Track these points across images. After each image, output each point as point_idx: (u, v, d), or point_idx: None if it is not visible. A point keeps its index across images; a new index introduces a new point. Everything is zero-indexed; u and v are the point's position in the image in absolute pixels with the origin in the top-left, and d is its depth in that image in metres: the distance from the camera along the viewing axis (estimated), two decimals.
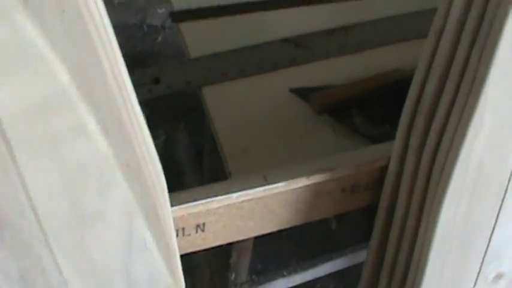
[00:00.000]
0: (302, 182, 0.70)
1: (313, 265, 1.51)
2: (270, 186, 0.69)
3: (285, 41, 0.98)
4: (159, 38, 1.87)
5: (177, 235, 0.72)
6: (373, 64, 0.95)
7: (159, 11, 1.91)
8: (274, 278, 1.48)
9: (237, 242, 1.33)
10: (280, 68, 0.95)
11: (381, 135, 0.81)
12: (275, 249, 1.60)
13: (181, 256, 0.67)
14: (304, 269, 1.50)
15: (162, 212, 0.56)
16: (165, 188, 0.55)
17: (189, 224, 0.70)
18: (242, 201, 0.69)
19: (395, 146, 0.70)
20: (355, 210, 0.84)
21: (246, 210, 0.72)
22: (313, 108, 0.87)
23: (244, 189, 0.69)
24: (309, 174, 0.70)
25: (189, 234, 0.72)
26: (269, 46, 0.97)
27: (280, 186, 0.70)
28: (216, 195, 0.68)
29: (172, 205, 0.62)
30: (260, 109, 0.89)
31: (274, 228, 0.77)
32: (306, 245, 1.61)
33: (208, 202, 0.68)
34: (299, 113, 0.88)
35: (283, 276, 1.48)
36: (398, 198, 0.73)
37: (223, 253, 1.47)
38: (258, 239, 1.34)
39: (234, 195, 0.68)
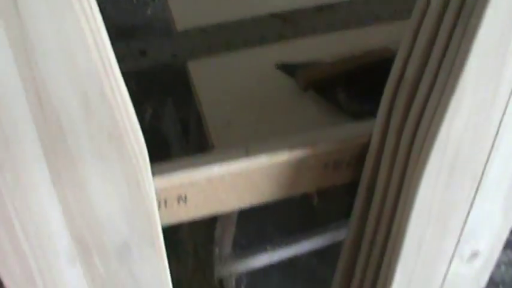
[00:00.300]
0: (284, 156, 0.71)
1: (296, 241, 1.52)
2: (252, 160, 0.70)
3: (273, 16, 0.98)
4: (149, 11, 1.87)
5: (159, 207, 0.73)
6: (360, 42, 0.96)
7: None
8: (257, 253, 1.49)
9: (222, 215, 1.35)
10: (267, 43, 0.95)
11: (364, 113, 0.81)
12: (259, 225, 1.62)
13: (165, 229, 0.68)
14: (288, 244, 1.52)
15: (144, 182, 0.56)
16: (146, 158, 0.56)
17: (171, 195, 0.71)
18: (224, 174, 0.70)
19: (377, 123, 0.71)
20: (338, 187, 0.85)
21: (228, 183, 0.72)
22: (299, 84, 0.88)
23: (225, 161, 0.69)
24: (290, 148, 0.71)
25: (171, 206, 0.73)
26: (256, 21, 0.97)
27: (261, 160, 0.70)
28: (197, 167, 0.68)
29: (154, 175, 0.63)
30: (245, 84, 0.89)
31: (257, 202, 0.78)
32: (290, 222, 1.63)
33: (189, 173, 0.68)
34: (284, 89, 0.89)
35: (267, 251, 1.50)
36: (379, 175, 0.74)
37: (208, 226, 1.48)
38: (243, 214, 1.36)
39: (215, 167, 0.69)
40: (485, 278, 0.85)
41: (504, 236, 0.79)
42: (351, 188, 0.84)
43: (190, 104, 1.23)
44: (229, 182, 0.72)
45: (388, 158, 0.71)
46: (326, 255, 1.58)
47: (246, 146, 0.71)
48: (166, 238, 0.67)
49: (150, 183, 0.58)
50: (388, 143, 0.70)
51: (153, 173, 0.61)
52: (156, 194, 0.67)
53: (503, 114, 0.63)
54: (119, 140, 0.51)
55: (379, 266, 0.83)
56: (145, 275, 0.64)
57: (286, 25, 0.97)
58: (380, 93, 0.71)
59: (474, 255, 0.79)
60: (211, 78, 0.90)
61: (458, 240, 0.76)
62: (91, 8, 0.45)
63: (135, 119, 0.54)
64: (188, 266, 1.58)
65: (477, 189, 0.71)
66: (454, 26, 0.58)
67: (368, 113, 0.79)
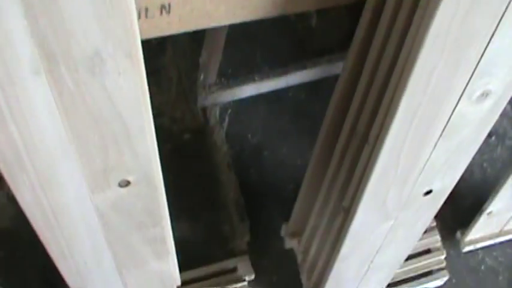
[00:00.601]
0: None
1: (285, 72, 1.46)
2: None
3: None
4: None
5: (139, 17, 0.64)
6: None
7: None
8: (244, 83, 1.43)
9: (208, 38, 1.26)
10: None
11: None
12: (248, 53, 1.53)
13: (148, 52, 0.59)
14: (277, 75, 1.45)
15: None
16: None
17: (153, 3, 0.62)
18: None
19: None
20: (339, 8, 0.76)
21: None
22: None
23: None
24: None
25: (153, 16, 0.64)
26: None
27: None
28: None
29: None
30: None
31: (248, 18, 0.70)
32: (281, 50, 1.54)
33: None
34: None
35: (254, 81, 1.43)
36: None
37: (192, 52, 1.40)
38: (230, 40, 1.27)
39: None
40: (490, 123, 0.79)
41: None
42: (355, 9, 0.76)
43: None
44: None
45: None
46: (317, 90, 1.51)
47: None
48: (148, 63, 0.59)
49: None
50: None
51: None
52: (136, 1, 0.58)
53: None
54: None
55: (379, 99, 0.76)
56: (121, 90, 0.57)
57: None
58: None
59: (484, 95, 0.72)
60: None
61: (471, 76, 0.68)
62: None
63: None
64: (171, 94, 1.52)
65: (500, 19, 0.62)
66: None
67: None
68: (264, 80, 1.44)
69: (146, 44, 0.55)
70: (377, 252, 1.06)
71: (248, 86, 1.43)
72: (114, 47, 0.53)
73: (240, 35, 1.45)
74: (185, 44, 1.48)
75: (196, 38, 1.32)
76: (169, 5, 0.63)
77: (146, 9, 0.62)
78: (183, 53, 1.50)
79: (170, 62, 1.53)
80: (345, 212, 0.95)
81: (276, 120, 1.55)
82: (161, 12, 0.64)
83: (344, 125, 0.90)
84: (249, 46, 1.53)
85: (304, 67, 1.45)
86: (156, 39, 1.46)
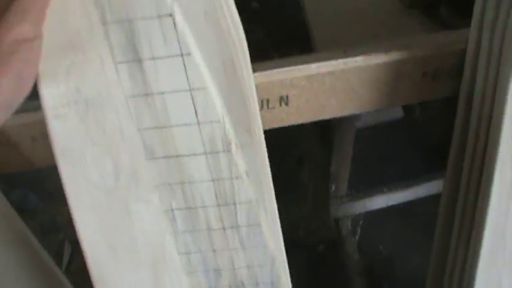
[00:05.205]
0: (380, 58, 0.74)
1: (413, 184, 1.53)
2: (349, 59, 0.73)
3: None
4: None
5: (261, 108, 0.78)
6: None
7: None
8: (374, 194, 1.52)
9: (337, 150, 1.39)
10: None
11: (466, 27, 0.82)
12: (377, 165, 1.64)
13: (266, 131, 0.72)
14: (405, 187, 1.53)
15: (240, 64, 0.61)
16: (243, 40, 0.60)
17: (273, 95, 0.76)
18: (323, 74, 0.74)
19: (472, 26, 0.72)
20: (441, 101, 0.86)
21: (327, 85, 0.76)
22: (403, 1, 0.90)
23: (324, 61, 0.73)
24: (387, 50, 0.74)
25: (274, 107, 0.78)
26: None
27: (358, 61, 0.74)
28: (297, 65, 0.73)
29: (254, 72, 0.67)
30: (352, 2, 0.92)
31: (356, 110, 0.81)
32: (408, 162, 1.63)
33: (288, 70, 0.73)
34: (389, 8, 0.91)
35: (384, 193, 1.52)
36: (476, 84, 0.75)
37: (324, 166, 1.52)
38: (359, 153, 1.39)
39: (313, 65, 0.73)
40: None
41: None
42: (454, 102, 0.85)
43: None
44: (329, 85, 0.76)
45: (484, 58, 0.72)
46: None
47: (345, 48, 0.75)
48: (288, 180, 0.70)
49: (248, 67, 0.63)
50: (483, 45, 0.71)
51: (254, 70, 0.66)
52: (258, 92, 0.72)
53: None
54: (213, 15, 0.56)
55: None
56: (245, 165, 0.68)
57: None
58: None
59: None
60: None
61: None
62: None
63: (233, 6, 0.59)
64: (307, 207, 1.64)
65: None
66: None
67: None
68: (392, 192, 1.52)
69: (286, 162, 0.64)
70: None
71: (378, 198, 1.52)
72: (236, 123, 0.65)
73: (368, 149, 1.56)
74: (318, 157, 1.61)
75: (329, 152, 1.46)
76: (287, 97, 0.77)
77: (267, 101, 0.77)
78: (316, 166, 1.63)
79: (306, 176, 1.66)
80: None
81: (407, 232, 1.61)
82: (280, 104, 0.78)
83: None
84: (377, 158, 1.63)
85: (432, 179, 1.52)
86: (293, 155, 1.60)
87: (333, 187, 1.46)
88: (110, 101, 0.55)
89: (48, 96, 0.50)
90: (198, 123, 0.58)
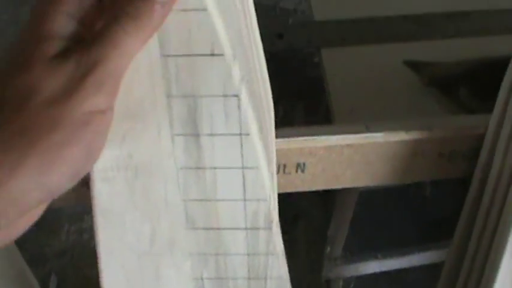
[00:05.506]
0: (400, 136, 0.75)
1: (408, 253, 1.53)
2: (370, 135, 0.74)
3: (405, 17, 1.02)
4: (290, 21, 1.95)
5: (278, 171, 0.78)
6: (488, 50, 0.98)
7: None
8: (367, 259, 1.52)
9: (337, 214, 1.39)
10: (397, 41, 1.00)
11: (485, 110, 0.84)
12: (373, 232, 1.64)
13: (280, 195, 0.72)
14: (400, 255, 1.53)
15: (266, 135, 0.62)
16: (271, 108, 0.61)
17: (291, 161, 0.77)
18: (342, 146, 0.75)
19: (494, 114, 0.73)
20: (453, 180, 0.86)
21: (345, 157, 0.77)
22: (423, 80, 0.92)
23: (345, 133, 0.74)
24: (408, 129, 0.75)
25: (290, 173, 0.79)
26: (389, 20, 1.02)
27: (379, 137, 0.75)
28: (318, 135, 0.74)
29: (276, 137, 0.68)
30: (372, 75, 0.94)
31: (370, 182, 0.82)
32: (405, 230, 1.63)
33: (308, 140, 0.73)
34: (408, 84, 0.93)
35: (377, 258, 1.52)
36: (492, 167, 0.76)
37: (321, 228, 1.52)
38: (358, 218, 1.39)
39: (334, 137, 0.73)
40: None
41: None
42: (466, 183, 0.86)
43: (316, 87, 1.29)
44: (347, 157, 0.77)
45: (502, 149, 0.73)
46: (438, 271, 1.57)
47: (367, 124, 0.76)
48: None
49: (272, 136, 0.63)
50: (503, 134, 0.72)
51: (276, 136, 0.67)
52: (276, 156, 0.72)
53: None
54: (251, 83, 0.56)
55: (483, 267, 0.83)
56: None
57: (418, 27, 1.01)
58: None
59: None
60: (341, 66, 0.95)
61: None
62: None
63: (266, 73, 0.60)
64: (297, 265, 1.63)
65: None
66: None
67: (489, 109, 0.81)
68: (387, 259, 1.52)
69: (281, 217, 0.63)
70: None
71: (371, 263, 1.52)
72: None
73: (367, 214, 1.56)
74: (316, 219, 1.61)
75: (328, 215, 1.46)
76: (304, 164, 0.77)
77: (284, 166, 0.77)
78: (314, 228, 1.63)
79: (301, 235, 1.66)
80: None
81: None
82: (297, 170, 0.78)
83: None
84: (374, 225, 1.64)
85: (426, 249, 1.52)
86: (290, 213, 1.60)
87: (328, 248, 1.46)
88: (160, 170, 0.54)
89: (100, 158, 0.49)
90: (245, 199, 0.57)
